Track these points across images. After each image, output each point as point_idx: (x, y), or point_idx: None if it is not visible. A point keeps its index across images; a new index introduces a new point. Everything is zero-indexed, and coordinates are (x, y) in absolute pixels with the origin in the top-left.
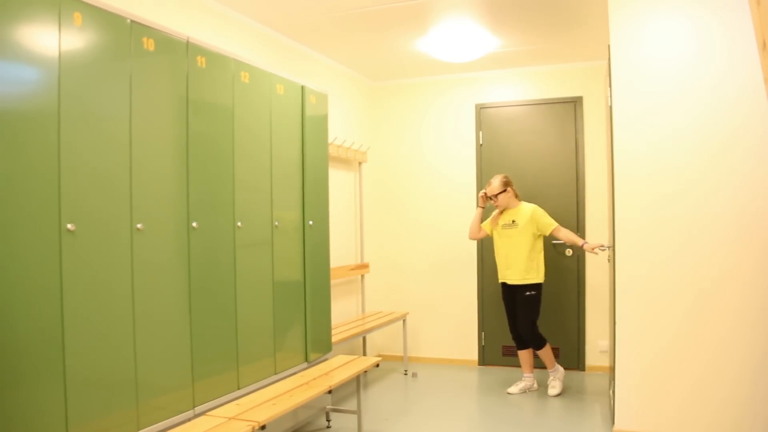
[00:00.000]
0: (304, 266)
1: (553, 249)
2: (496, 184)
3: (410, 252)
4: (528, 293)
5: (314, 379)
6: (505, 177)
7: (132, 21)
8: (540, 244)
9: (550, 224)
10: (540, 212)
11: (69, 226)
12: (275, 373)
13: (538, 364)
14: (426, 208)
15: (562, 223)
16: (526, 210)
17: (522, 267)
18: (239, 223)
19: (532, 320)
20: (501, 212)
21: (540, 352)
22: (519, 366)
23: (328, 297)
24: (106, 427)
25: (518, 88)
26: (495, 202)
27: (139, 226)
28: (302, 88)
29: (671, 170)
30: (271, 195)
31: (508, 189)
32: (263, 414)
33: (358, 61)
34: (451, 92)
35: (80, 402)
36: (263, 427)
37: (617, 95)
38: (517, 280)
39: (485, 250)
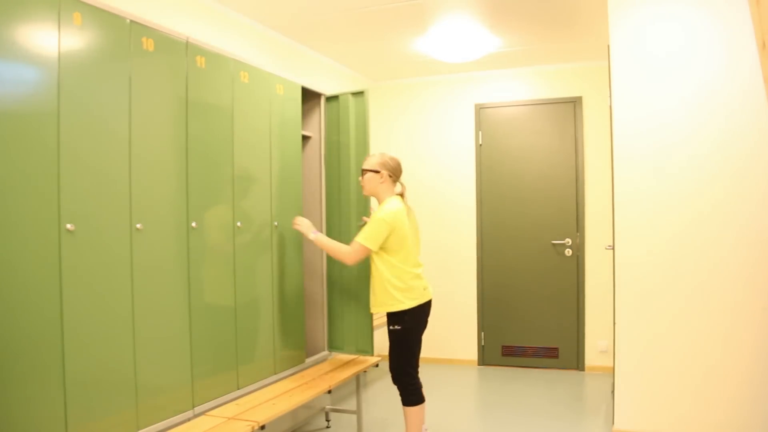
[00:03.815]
0: (303, 266)
1: (552, 249)
2: (373, 160)
3: None
4: (391, 327)
5: (314, 379)
6: (384, 156)
7: (131, 21)
8: (392, 258)
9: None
10: (376, 217)
11: (68, 226)
12: (275, 373)
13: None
14: (425, 208)
15: (562, 221)
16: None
17: (374, 290)
18: (239, 223)
19: (399, 362)
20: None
21: (406, 410)
22: (519, 366)
23: (328, 297)
24: (105, 427)
25: (518, 88)
26: (361, 182)
27: (138, 226)
28: (302, 88)
29: (671, 170)
30: (270, 195)
31: (381, 171)
32: (263, 414)
33: (358, 61)
34: (451, 92)
35: (80, 402)
36: (263, 427)
37: (617, 95)
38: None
39: (485, 251)
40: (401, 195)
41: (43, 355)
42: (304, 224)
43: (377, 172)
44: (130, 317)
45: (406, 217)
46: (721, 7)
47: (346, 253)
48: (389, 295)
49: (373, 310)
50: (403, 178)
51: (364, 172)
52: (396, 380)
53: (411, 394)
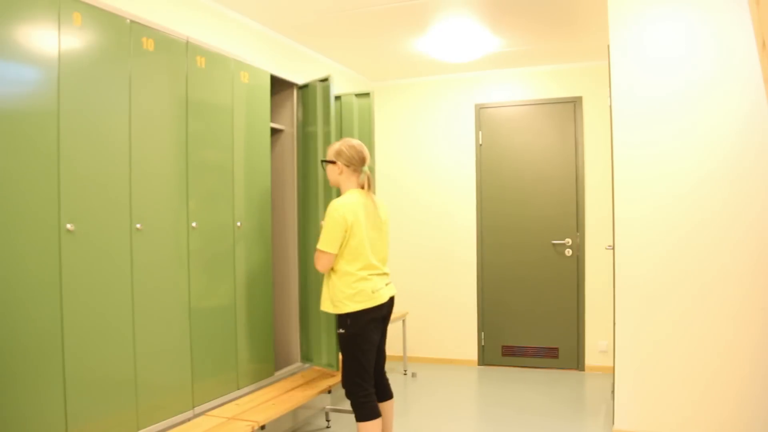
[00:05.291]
0: (302, 266)
1: (552, 249)
2: (333, 147)
3: (409, 252)
4: (337, 330)
5: (314, 378)
6: (343, 144)
7: (131, 21)
8: (339, 260)
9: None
10: (327, 216)
11: (69, 226)
12: (274, 373)
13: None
14: (425, 208)
15: (562, 221)
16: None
17: (324, 288)
18: (239, 223)
19: (347, 371)
20: None
21: (358, 427)
22: (519, 366)
23: None
24: (105, 427)
25: (518, 88)
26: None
27: (138, 226)
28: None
29: (671, 170)
30: (270, 195)
31: (337, 161)
32: (263, 414)
33: (358, 61)
34: (451, 92)
35: (80, 402)
36: (263, 427)
37: (617, 95)
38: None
39: (485, 250)
40: (365, 186)
41: (43, 354)
42: None
43: (333, 162)
44: (130, 317)
45: (361, 214)
46: (720, 8)
47: (316, 259)
48: (333, 296)
49: (321, 308)
50: (402, 178)
51: (324, 163)
52: (345, 390)
53: (360, 407)
